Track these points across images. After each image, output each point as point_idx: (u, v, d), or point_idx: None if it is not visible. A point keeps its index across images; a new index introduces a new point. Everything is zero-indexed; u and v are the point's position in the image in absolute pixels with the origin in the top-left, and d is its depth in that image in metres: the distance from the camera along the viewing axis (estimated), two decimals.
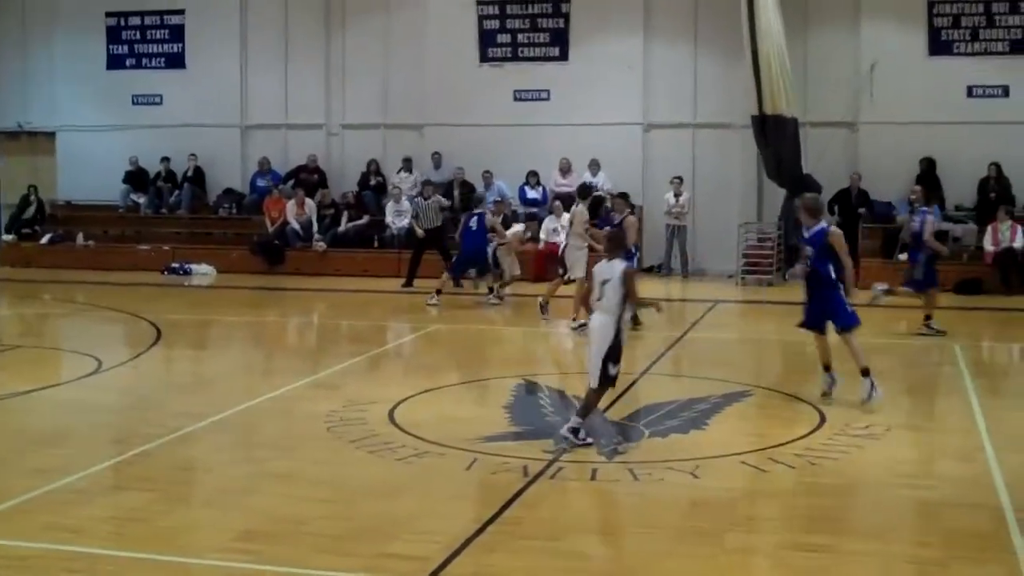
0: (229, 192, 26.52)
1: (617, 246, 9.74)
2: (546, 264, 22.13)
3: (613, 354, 9.21)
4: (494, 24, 25.17)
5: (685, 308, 20.24)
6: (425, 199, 21.11)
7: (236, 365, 14.44)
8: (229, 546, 6.91)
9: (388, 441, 9.54)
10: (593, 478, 8.59)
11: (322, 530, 7.24)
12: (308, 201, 24.77)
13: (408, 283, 21.08)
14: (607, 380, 9.30)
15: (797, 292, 20.51)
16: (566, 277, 16.36)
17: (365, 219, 24.74)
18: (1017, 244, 20.79)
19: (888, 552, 7.03)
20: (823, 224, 11.18)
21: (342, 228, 24.69)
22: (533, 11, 25.04)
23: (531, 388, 12.00)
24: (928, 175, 22.34)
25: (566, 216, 22.35)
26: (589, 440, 9.22)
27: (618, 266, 9.33)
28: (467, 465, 8.85)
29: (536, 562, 6.81)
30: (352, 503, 7.90)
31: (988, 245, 20.99)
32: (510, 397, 11.51)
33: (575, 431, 9.24)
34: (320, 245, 24.32)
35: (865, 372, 10.93)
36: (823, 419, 10.41)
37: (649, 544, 7.19)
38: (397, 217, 23.82)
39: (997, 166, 22.29)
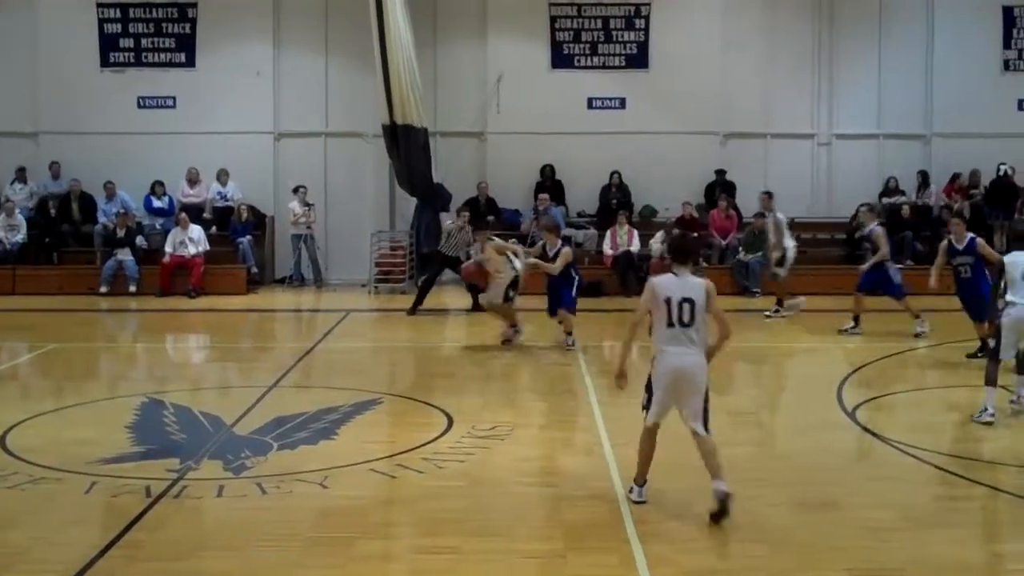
0: None
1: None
2: (171, 279, 21.45)
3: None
4: (116, 28, 24.13)
5: (317, 318, 20.19)
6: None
7: None
8: None
9: None
10: (219, 495, 8.38)
11: None
12: None
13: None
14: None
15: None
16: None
17: None
18: (634, 248, 21.96)
19: (511, 548, 7.25)
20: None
21: None
22: (158, 15, 24.17)
23: (155, 406, 11.56)
24: (552, 183, 23.30)
25: (194, 228, 21.86)
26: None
27: None
28: (86, 489, 8.47)
29: None
30: None
31: (608, 249, 22.06)
32: (133, 416, 11.07)
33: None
34: None
35: None
36: (451, 423, 10.61)
37: (276, 557, 7.10)
38: (10, 232, 22.36)
39: (619, 174, 23.49)
